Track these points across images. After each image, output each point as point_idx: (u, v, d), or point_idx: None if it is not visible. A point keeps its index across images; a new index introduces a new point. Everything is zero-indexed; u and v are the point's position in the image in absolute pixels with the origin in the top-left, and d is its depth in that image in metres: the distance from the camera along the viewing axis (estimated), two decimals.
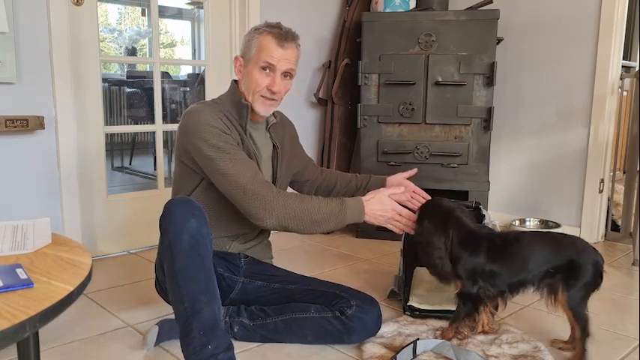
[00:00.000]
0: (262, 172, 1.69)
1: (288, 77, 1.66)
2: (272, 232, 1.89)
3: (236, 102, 1.66)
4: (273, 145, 1.76)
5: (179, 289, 1.35)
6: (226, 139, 1.57)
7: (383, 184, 1.85)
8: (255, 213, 1.52)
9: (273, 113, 1.74)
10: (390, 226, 1.61)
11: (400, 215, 1.60)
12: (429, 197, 1.82)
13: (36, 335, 1.07)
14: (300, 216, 1.52)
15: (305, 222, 1.53)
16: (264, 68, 1.60)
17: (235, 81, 1.72)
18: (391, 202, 1.60)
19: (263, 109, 1.65)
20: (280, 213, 1.52)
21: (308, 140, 3.20)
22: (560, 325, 1.82)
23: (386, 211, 1.58)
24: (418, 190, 1.81)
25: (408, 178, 1.85)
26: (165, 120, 3.66)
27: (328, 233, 1.74)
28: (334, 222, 1.55)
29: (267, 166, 1.75)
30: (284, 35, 1.61)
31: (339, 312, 1.59)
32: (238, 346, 1.62)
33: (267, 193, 1.52)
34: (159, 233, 1.53)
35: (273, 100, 1.64)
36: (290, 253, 2.66)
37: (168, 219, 1.40)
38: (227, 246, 1.73)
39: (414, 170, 1.88)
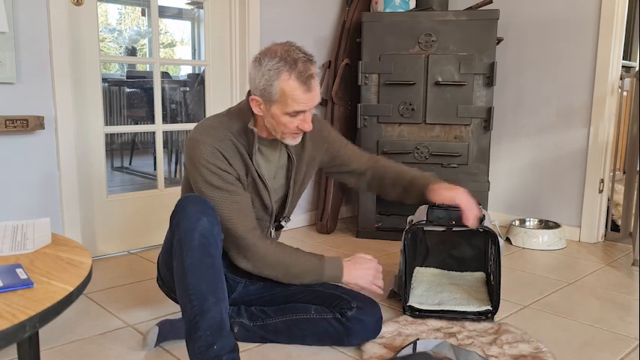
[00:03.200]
0: (272, 184, 1.67)
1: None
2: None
3: (244, 127, 1.58)
4: (288, 155, 1.69)
5: (187, 288, 1.35)
6: (223, 177, 1.53)
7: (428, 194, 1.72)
8: (234, 255, 1.58)
9: None
10: (373, 288, 1.68)
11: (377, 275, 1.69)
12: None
13: (36, 335, 1.07)
14: (277, 267, 1.59)
15: (281, 273, 1.60)
16: (292, 115, 1.51)
17: (249, 93, 1.58)
18: (368, 261, 1.67)
19: (293, 141, 1.59)
20: (257, 263, 1.58)
21: None
22: (561, 325, 1.82)
23: (365, 275, 1.65)
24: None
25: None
26: (165, 120, 3.66)
27: None
28: (310, 278, 1.63)
29: (280, 175, 1.70)
30: (308, 75, 1.47)
31: (340, 313, 1.59)
32: (239, 346, 1.62)
33: (250, 241, 1.55)
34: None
35: (300, 133, 1.59)
36: None
37: (180, 215, 1.39)
38: None
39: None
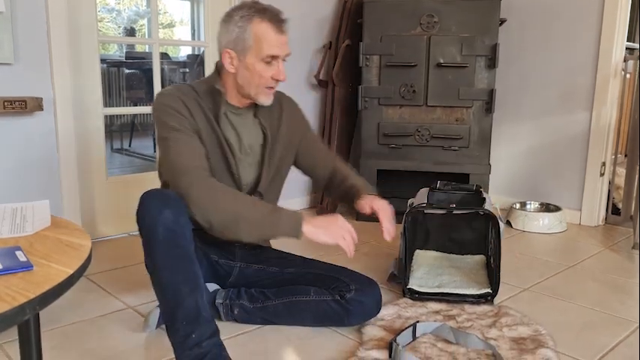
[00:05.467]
0: (242, 160, 1.63)
1: (285, 60, 1.58)
2: None
3: (210, 88, 1.58)
4: (263, 131, 1.67)
5: (160, 282, 1.35)
6: (180, 121, 1.51)
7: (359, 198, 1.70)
8: (181, 196, 1.41)
9: None
10: (340, 242, 1.45)
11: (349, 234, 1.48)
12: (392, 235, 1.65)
13: (36, 317, 1.07)
14: (223, 211, 1.42)
15: (227, 218, 1.42)
16: (267, 61, 1.51)
17: (218, 66, 1.60)
18: (336, 220, 1.48)
19: (267, 99, 1.58)
20: (203, 204, 1.41)
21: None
22: (560, 308, 1.83)
23: (332, 225, 1.47)
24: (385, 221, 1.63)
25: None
26: None
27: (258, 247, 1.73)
28: (264, 231, 1.45)
29: (254, 153, 1.66)
30: (278, 19, 1.51)
31: (339, 295, 1.59)
32: (239, 328, 1.63)
33: (197, 180, 1.42)
34: None
35: (274, 88, 1.59)
36: None
37: (142, 212, 1.36)
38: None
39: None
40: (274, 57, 1.51)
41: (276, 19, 1.51)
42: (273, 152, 1.69)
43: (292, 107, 1.78)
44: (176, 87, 1.59)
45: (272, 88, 1.57)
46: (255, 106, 1.65)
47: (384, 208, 1.64)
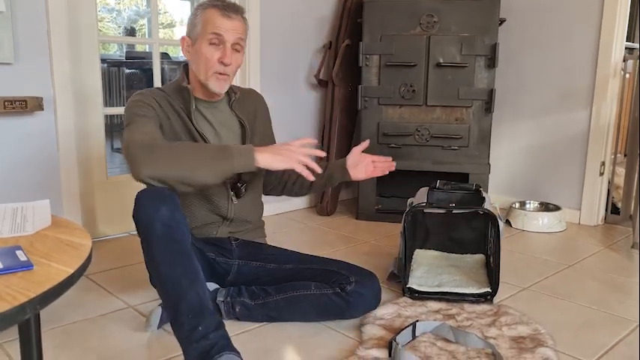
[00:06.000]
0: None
1: (239, 50, 1.63)
2: (264, 215, 1.91)
3: (178, 87, 1.66)
4: (240, 123, 1.74)
5: (160, 277, 1.36)
6: (147, 110, 1.58)
7: (343, 164, 1.78)
8: (131, 166, 1.42)
9: (232, 88, 1.72)
10: (295, 165, 1.47)
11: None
12: (390, 159, 1.79)
13: (37, 317, 1.08)
14: (180, 159, 1.43)
15: (185, 164, 1.42)
16: (212, 42, 1.58)
17: (185, 66, 1.71)
18: (290, 143, 1.51)
19: (218, 86, 1.63)
20: (157, 166, 1.40)
21: (308, 122, 3.18)
22: (559, 308, 1.83)
23: (284, 151, 1.48)
24: (377, 157, 1.78)
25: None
26: None
27: (207, 186, 1.59)
28: (220, 159, 1.44)
29: (235, 142, 1.73)
30: (229, 7, 1.60)
31: (339, 288, 1.61)
32: (240, 327, 1.63)
33: (141, 142, 1.44)
34: None
35: (226, 75, 1.62)
36: (289, 235, 2.66)
37: (139, 211, 1.39)
38: (214, 232, 1.74)
39: (367, 142, 1.78)
40: (219, 37, 1.58)
41: (227, 7, 1.60)
42: (254, 141, 1.74)
43: (264, 106, 1.88)
44: (147, 89, 1.69)
45: (222, 74, 1.62)
46: (228, 99, 1.73)
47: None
